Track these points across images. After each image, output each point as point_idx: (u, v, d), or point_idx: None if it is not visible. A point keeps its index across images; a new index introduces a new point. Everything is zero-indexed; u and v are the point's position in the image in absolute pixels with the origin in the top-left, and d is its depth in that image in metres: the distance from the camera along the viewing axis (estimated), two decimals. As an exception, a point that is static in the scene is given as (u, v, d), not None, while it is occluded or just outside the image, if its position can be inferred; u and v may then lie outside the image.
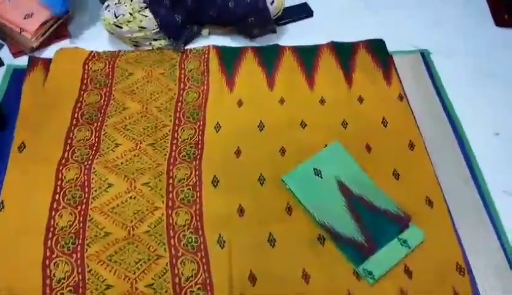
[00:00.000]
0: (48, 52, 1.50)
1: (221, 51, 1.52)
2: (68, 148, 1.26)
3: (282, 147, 1.30)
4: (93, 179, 1.20)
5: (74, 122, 1.31)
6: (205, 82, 1.44)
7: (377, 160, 1.29)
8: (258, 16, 1.48)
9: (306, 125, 1.35)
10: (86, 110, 1.34)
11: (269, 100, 1.41)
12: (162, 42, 1.51)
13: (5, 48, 1.51)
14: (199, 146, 1.29)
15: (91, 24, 1.57)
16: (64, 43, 1.55)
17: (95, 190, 1.18)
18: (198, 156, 1.27)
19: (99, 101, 1.37)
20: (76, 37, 1.57)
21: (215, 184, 1.22)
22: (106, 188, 1.19)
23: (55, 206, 1.15)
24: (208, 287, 1.05)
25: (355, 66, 1.50)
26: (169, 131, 1.32)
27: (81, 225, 1.12)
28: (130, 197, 1.18)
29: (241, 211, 1.18)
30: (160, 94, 1.40)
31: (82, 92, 1.39)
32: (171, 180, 1.21)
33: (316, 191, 1.21)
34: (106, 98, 1.38)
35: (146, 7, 1.44)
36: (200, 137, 1.30)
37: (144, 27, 1.45)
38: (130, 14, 1.43)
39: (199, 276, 1.06)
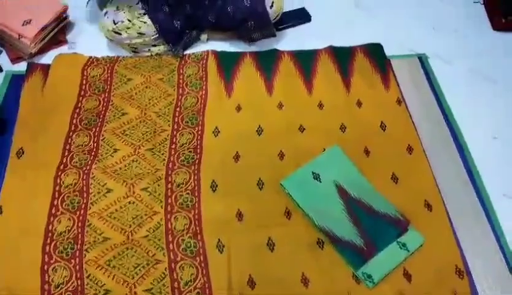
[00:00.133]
0: (47, 58, 1.51)
1: (220, 56, 1.52)
2: (66, 153, 1.26)
3: (281, 151, 1.30)
4: (91, 184, 1.19)
5: (73, 128, 1.32)
6: (204, 87, 1.44)
7: (376, 163, 1.29)
8: (258, 20, 1.49)
9: (304, 129, 1.35)
10: (85, 116, 1.35)
11: (267, 105, 1.41)
12: (161, 48, 1.52)
13: (4, 54, 1.52)
14: (198, 151, 1.29)
15: (89, 30, 1.57)
16: (63, 49, 1.55)
17: (94, 196, 1.18)
18: (197, 161, 1.27)
19: (97, 107, 1.37)
20: (75, 43, 1.57)
21: (214, 189, 1.22)
22: (104, 193, 1.18)
23: (53, 211, 1.15)
24: (207, 291, 1.05)
25: (353, 71, 1.51)
26: (168, 136, 1.32)
27: (80, 230, 1.12)
28: (129, 202, 1.18)
29: (240, 215, 1.17)
30: (158, 100, 1.40)
31: (81, 98, 1.39)
32: (170, 185, 1.21)
33: (314, 195, 1.20)
34: (105, 104, 1.38)
35: (144, 13, 1.44)
36: (198, 142, 1.31)
37: (143, 34, 1.46)
38: (129, 20, 1.43)
39: (197, 280, 1.06)
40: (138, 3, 1.44)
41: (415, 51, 1.60)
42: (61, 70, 1.44)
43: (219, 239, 1.12)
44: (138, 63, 1.50)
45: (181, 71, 1.48)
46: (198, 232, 1.14)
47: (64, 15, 1.56)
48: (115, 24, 1.43)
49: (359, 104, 1.43)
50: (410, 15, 1.75)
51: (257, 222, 1.16)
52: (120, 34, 1.45)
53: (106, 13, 1.46)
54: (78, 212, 1.15)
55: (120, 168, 1.24)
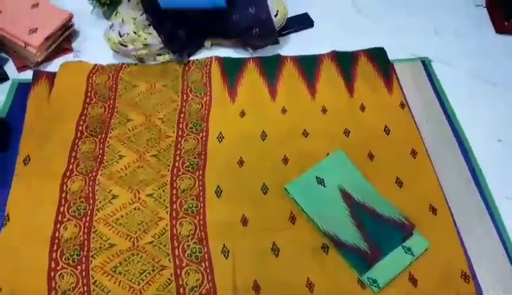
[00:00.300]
0: (53, 66, 1.52)
1: (223, 62, 1.53)
2: (72, 160, 1.27)
3: (285, 156, 1.30)
4: (97, 190, 1.20)
5: (79, 135, 1.33)
6: (208, 93, 1.45)
7: (380, 168, 1.29)
8: (262, 27, 1.49)
9: (308, 134, 1.36)
10: (90, 123, 1.36)
11: (271, 110, 1.42)
12: (166, 57, 1.53)
13: (10, 63, 1.54)
14: (202, 156, 1.30)
15: (94, 38, 1.59)
16: (68, 57, 1.57)
17: (100, 202, 1.19)
18: (201, 166, 1.27)
19: (103, 114, 1.39)
20: (80, 51, 1.59)
21: (219, 194, 1.22)
22: (110, 199, 1.19)
23: (59, 218, 1.16)
24: (213, 297, 1.05)
25: (356, 75, 1.51)
26: (172, 142, 1.33)
27: (86, 236, 1.13)
28: (134, 208, 1.18)
29: (245, 220, 1.18)
30: (163, 106, 1.41)
31: (86, 105, 1.40)
32: (175, 191, 1.22)
33: (319, 199, 1.21)
34: (110, 110, 1.40)
35: (149, 25, 1.45)
36: (203, 148, 1.31)
37: (149, 44, 1.47)
38: (135, 33, 1.44)
39: (203, 286, 1.06)
40: (142, 15, 1.45)
41: (417, 55, 1.60)
42: (66, 78, 1.46)
43: (224, 245, 1.13)
44: (143, 70, 1.51)
45: (185, 77, 1.49)
46: (203, 237, 1.14)
47: (69, 24, 1.58)
48: (121, 36, 1.44)
49: (363, 108, 1.43)
50: (412, 19, 1.75)
51: (262, 227, 1.17)
52: (126, 46, 1.46)
53: (111, 25, 1.47)
54: (84, 219, 1.16)
55: (126, 174, 1.25)
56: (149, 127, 1.36)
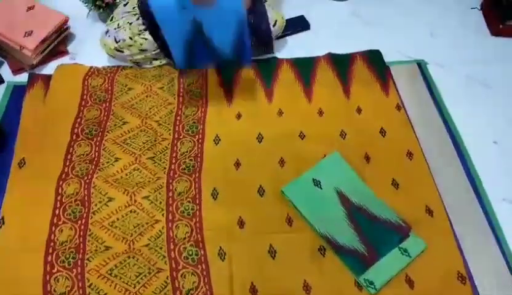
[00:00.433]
0: (48, 69, 1.52)
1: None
2: (67, 163, 1.26)
3: (281, 158, 1.30)
4: (93, 193, 1.20)
5: (74, 137, 1.32)
6: (204, 95, 1.45)
7: (376, 169, 1.29)
8: (260, 37, 1.49)
9: (304, 136, 1.36)
10: (86, 126, 1.35)
11: (267, 112, 1.42)
12: (162, 61, 1.53)
13: (5, 66, 1.53)
14: (199, 159, 1.29)
15: (90, 40, 1.58)
16: (64, 59, 1.56)
17: (95, 205, 1.18)
18: (197, 169, 1.27)
19: (99, 116, 1.38)
20: (75, 54, 1.58)
21: (215, 197, 1.22)
22: (106, 202, 1.19)
23: (55, 221, 1.15)
24: (209, 299, 1.05)
25: (352, 77, 1.51)
26: (168, 144, 1.32)
27: (81, 239, 1.12)
28: (130, 211, 1.18)
29: (241, 223, 1.18)
30: (159, 109, 1.41)
31: (82, 108, 1.40)
32: (171, 194, 1.22)
33: (315, 202, 1.21)
34: (106, 113, 1.39)
35: (145, 29, 1.45)
36: (199, 150, 1.31)
37: (145, 50, 1.46)
38: (130, 38, 1.44)
39: (199, 289, 1.06)
40: (138, 20, 1.45)
41: (413, 58, 1.61)
42: (62, 81, 1.45)
43: (220, 247, 1.12)
44: (139, 73, 1.51)
45: (181, 80, 1.49)
46: (199, 240, 1.14)
47: (65, 26, 1.57)
48: (117, 42, 1.44)
49: (359, 110, 1.43)
50: (408, 22, 1.75)
51: (258, 230, 1.17)
52: (122, 51, 1.45)
53: (107, 31, 1.46)
54: (80, 222, 1.15)
55: (122, 177, 1.25)
56: (145, 130, 1.35)
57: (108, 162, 1.27)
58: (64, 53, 1.58)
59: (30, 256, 1.09)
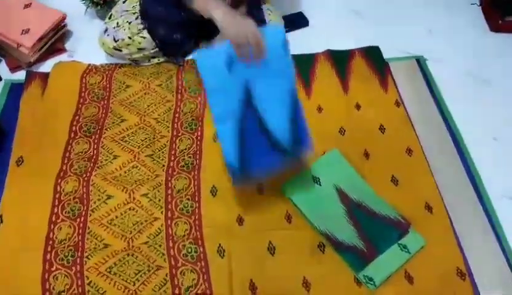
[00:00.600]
0: (46, 66, 1.51)
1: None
2: (66, 161, 1.26)
3: (281, 155, 1.30)
4: (91, 191, 1.19)
5: (72, 135, 1.32)
6: (203, 92, 1.44)
7: (375, 166, 1.29)
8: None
9: (303, 132, 1.35)
10: (84, 123, 1.35)
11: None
12: (161, 59, 1.52)
13: (3, 64, 1.52)
14: (198, 156, 1.29)
15: (88, 38, 1.57)
16: (62, 57, 1.55)
17: (94, 202, 1.18)
18: (196, 166, 1.27)
19: (97, 114, 1.38)
20: (73, 51, 1.57)
21: (214, 194, 1.22)
22: (104, 200, 1.18)
23: (53, 219, 1.15)
24: (209, 297, 1.05)
25: (351, 74, 1.51)
26: (167, 141, 1.32)
27: (80, 237, 1.12)
28: (129, 209, 1.18)
29: (240, 220, 1.17)
30: (157, 106, 1.41)
31: (80, 105, 1.39)
32: (170, 191, 1.21)
33: (315, 199, 1.20)
34: (104, 111, 1.39)
35: (143, 28, 1.44)
36: (198, 148, 1.31)
37: (143, 48, 1.46)
38: (129, 38, 1.43)
39: (199, 286, 1.06)
40: (137, 19, 1.44)
41: (412, 54, 1.61)
42: (60, 79, 1.45)
43: (220, 244, 1.12)
44: (137, 70, 1.50)
45: (179, 77, 1.49)
46: (199, 237, 1.13)
47: (62, 24, 1.57)
48: (115, 41, 1.43)
49: (358, 106, 1.43)
50: (407, 18, 1.75)
51: (258, 227, 1.16)
52: (120, 50, 1.45)
53: (106, 30, 1.45)
54: (78, 220, 1.15)
55: (120, 175, 1.24)
56: (144, 127, 1.35)
57: (106, 160, 1.27)
58: (62, 50, 1.57)
59: (29, 254, 1.09)
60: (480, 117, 1.44)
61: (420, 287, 1.08)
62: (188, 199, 1.20)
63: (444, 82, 1.52)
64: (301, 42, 1.62)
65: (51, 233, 1.12)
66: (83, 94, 1.42)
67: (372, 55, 1.57)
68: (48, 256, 1.09)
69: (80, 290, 1.04)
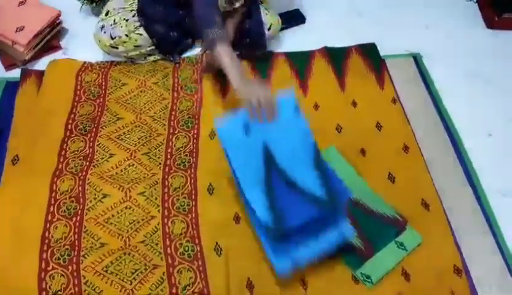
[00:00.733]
0: (41, 64, 1.50)
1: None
2: (62, 159, 1.25)
3: (277, 153, 1.29)
4: (87, 190, 1.19)
5: (68, 133, 1.31)
6: (199, 90, 1.44)
7: (372, 163, 1.29)
8: (254, 40, 1.49)
9: (300, 130, 1.35)
10: (80, 121, 1.34)
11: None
12: (157, 57, 1.52)
13: (-2, 61, 1.52)
14: (194, 154, 1.29)
15: (83, 35, 1.57)
16: (57, 55, 1.55)
17: (90, 201, 1.17)
18: (193, 164, 1.26)
19: (93, 112, 1.37)
20: (68, 49, 1.57)
21: (211, 192, 1.21)
22: (101, 198, 1.18)
23: (49, 218, 1.14)
24: (206, 295, 1.05)
25: (348, 71, 1.51)
26: (164, 140, 1.31)
27: (76, 236, 1.11)
28: (126, 207, 1.17)
29: (237, 218, 1.17)
30: (154, 104, 1.40)
31: (76, 103, 1.39)
32: (166, 189, 1.21)
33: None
34: (100, 109, 1.38)
35: (140, 25, 1.43)
36: (194, 146, 1.30)
37: (140, 46, 1.45)
38: (126, 35, 1.42)
39: (196, 284, 1.05)
40: (134, 16, 1.43)
41: (409, 51, 1.61)
42: (55, 76, 1.44)
43: (217, 243, 1.12)
44: (133, 67, 1.49)
45: (176, 75, 1.48)
46: (195, 235, 1.13)
47: (57, 21, 1.56)
48: (112, 39, 1.43)
49: (354, 104, 1.43)
50: (404, 15, 1.75)
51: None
52: (117, 48, 1.44)
53: (102, 27, 1.44)
54: (74, 219, 1.14)
55: (117, 173, 1.24)
56: (140, 125, 1.34)
57: (102, 158, 1.26)
58: (57, 48, 1.56)
59: (25, 254, 1.08)
60: (476, 113, 1.45)
61: (417, 284, 1.08)
62: (185, 197, 1.20)
63: (441, 78, 1.53)
64: (297, 39, 1.63)
65: (47, 232, 1.12)
66: (78, 92, 1.42)
67: (369, 52, 1.57)
68: (44, 255, 1.08)
69: (76, 289, 1.04)
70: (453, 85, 1.51)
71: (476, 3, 1.81)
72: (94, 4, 1.61)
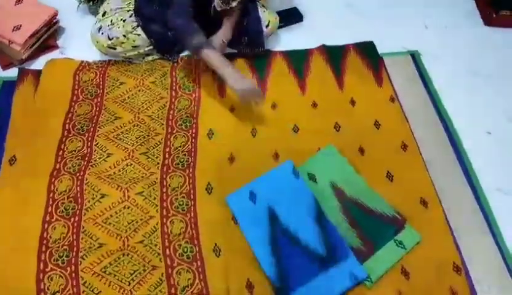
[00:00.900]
0: (38, 64, 1.49)
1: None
2: (59, 159, 1.25)
3: (276, 152, 1.30)
4: (85, 190, 1.18)
5: (66, 133, 1.30)
6: (197, 89, 1.43)
7: (371, 162, 1.29)
8: (252, 38, 1.49)
9: (298, 129, 1.35)
10: (77, 121, 1.34)
11: (261, 105, 1.40)
12: (155, 56, 1.51)
13: (-6, 61, 1.51)
14: (192, 154, 1.28)
15: (80, 34, 1.55)
16: (54, 54, 1.54)
17: (88, 201, 1.17)
18: (191, 163, 1.26)
19: (90, 111, 1.36)
20: (66, 48, 1.56)
21: (209, 191, 1.21)
22: (99, 198, 1.17)
23: (47, 218, 1.14)
24: (205, 296, 1.05)
25: (346, 69, 1.51)
26: (162, 139, 1.31)
27: (75, 237, 1.11)
28: (124, 207, 1.17)
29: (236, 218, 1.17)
30: (152, 103, 1.39)
31: (73, 103, 1.38)
32: (165, 189, 1.21)
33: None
34: (98, 108, 1.37)
35: (138, 26, 1.42)
36: (193, 145, 1.30)
37: (138, 46, 1.44)
38: (124, 36, 1.42)
39: (195, 285, 1.05)
40: (131, 16, 1.42)
41: (407, 49, 1.60)
42: (52, 76, 1.43)
43: (215, 244, 1.12)
44: (131, 67, 1.49)
45: (173, 74, 1.47)
46: (194, 235, 1.13)
47: (54, 20, 1.55)
48: (110, 39, 1.42)
49: (353, 102, 1.43)
50: (402, 13, 1.75)
51: (253, 224, 1.16)
52: (115, 48, 1.43)
53: (100, 28, 1.43)
54: (73, 219, 1.14)
55: (115, 173, 1.23)
56: (138, 124, 1.34)
57: (100, 158, 1.26)
58: (54, 47, 1.55)
59: (23, 255, 1.08)
60: (474, 110, 1.44)
61: (416, 282, 1.08)
62: (183, 197, 1.20)
63: (439, 76, 1.52)
64: (295, 37, 1.63)
65: (45, 233, 1.11)
66: (76, 91, 1.41)
67: (367, 50, 1.56)
68: (42, 256, 1.08)
69: (75, 290, 1.03)
70: (451, 82, 1.51)
71: (474, 1, 1.80)
72: (91, 3, 1.60)
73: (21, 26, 1.46)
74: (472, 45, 1.65)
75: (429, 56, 1.58)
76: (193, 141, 1.31)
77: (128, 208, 1.17)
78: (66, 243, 1.10)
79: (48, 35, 1.53)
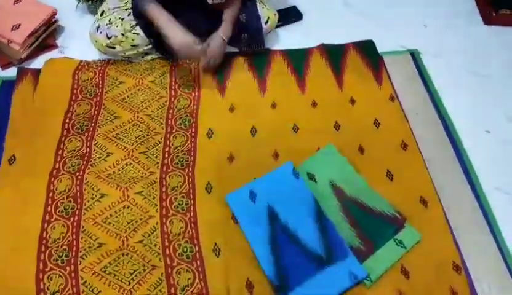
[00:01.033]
0: (37, 63, 1.49)
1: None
2: (59, 159, 1.25)
3: (275, 151, 1.29)
4: (85, 189, 1.18)
5: (65, 133, 1.30)
6: (196, 88, 1.43)
7: (370, 161, 1.29)
8: (252, 35, 1.48)
9: (298, 128, 1.35)
10: (77, 121, 1.33)
11: (261, 105, 1.41)
12: (154, 56, 1.51)
13: (-7, 60, 1.50)
14: (192, 153, 1.28)
15: (79, 33, 1.55)
16: (53, 53, 1.54)
17: (88, 201, 1.17)
18: (191, 163, 1.26)
19: (90, 111, 1.36)
20: (65, 48, 1.56)
21: (209, 190, 1.21)
22: (98, 198, 1.17)
23: (47, 218, 1.13)
24: (205, 296, 1.04)
25: (346, 68, 1.51)
26: (161, 138, 1.31)
27: (74, 236, 1.11)
28: (124, 207, 1.17)
29: (236, 217, 1.17)
30: (151, 102, 1.39)
31: (72, 102, 1.38)
32: (164, 189, 1.20)
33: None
34: (97, 108, 1.37)
35: (136, 24, 1.42)
36: (192, 144, 1.30)
37: (137, 45, 1.44)
38: (122, 34, 1.41)
39: (195, 285, 1.05)
40: (129, 15, 1.42)
41: (406, 47, 1.60)
42: (51, 75, 1.43)
43: (215, 243, 1.12)
44: (130, 66, 1.49)
45: (173, 73, 1.47)
46: (194, 235, 1.13)
47: (53, 19, 1.55)
48: (108, 38, 1.41)
49: (352, 101, 1.43)
50: (401, 11, 1.75)
51: (253, 224, 1.16)
52: (114, 48, 1.43)
53: (98, 27, 1.42)
54: (72, 219, 1.14)
55: (114, 172, 1.23)
56: (137, 124, 1.34)
57: (99, 157, 1.26)
58: (53, 46, 1.55)
59: (23, 254, 1.08)
60: (474, 109, 1.44)
61: (416, 282, 1.08)
62: (183, 196, 1.19)
63: (438, 75, 1.52)
64: (294, 36, 1.63)
65: (44, 233, 1.11)
66: (75, 91, 1.41)
67: (366, 49, 1.56)
68: (42, 256, 1.08)
69: (75, 290, 1.03)
70: (450, 81, 1.51)
71: (473, 0, 1.80)
72: (90, 2, 1.60)
73: (20, 25, 1.46)
74: (472, 44, 1.65)
75: (428, 55, 1.58)
76: (193, 140, 1.31)
77: (127, 207, 1.17)
78: (66, 243, 1.10)
79: (47, 35, 1.53)
